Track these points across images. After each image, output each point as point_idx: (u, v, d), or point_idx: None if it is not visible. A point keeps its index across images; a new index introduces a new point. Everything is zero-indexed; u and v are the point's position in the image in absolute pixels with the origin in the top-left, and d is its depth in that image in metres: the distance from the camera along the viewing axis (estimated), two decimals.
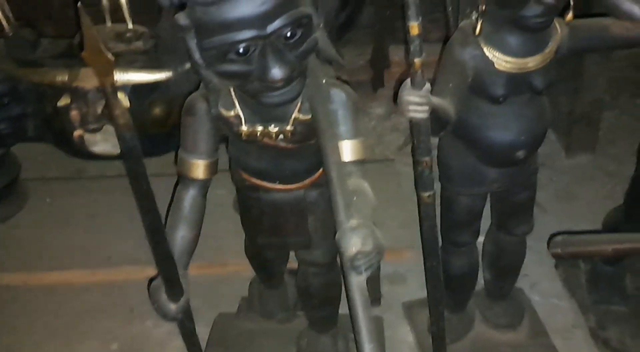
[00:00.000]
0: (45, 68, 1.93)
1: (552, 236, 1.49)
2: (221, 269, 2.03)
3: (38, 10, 2.59)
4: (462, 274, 1.77)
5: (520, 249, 1.77)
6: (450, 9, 1.51)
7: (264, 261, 1.76)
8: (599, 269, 2.03)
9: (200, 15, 1.07)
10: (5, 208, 2.33)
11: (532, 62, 1.36)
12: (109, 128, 1.95)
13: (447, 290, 1.81)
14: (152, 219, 1.13)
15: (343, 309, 1.94)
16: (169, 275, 1.25)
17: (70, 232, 2.26)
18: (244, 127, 1.28)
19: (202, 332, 1.84)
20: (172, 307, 1.30)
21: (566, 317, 2.03)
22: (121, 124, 1.01)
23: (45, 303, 2.07)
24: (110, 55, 0.94)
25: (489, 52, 1.35)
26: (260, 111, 1.26)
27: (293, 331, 1.84)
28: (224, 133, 1.34)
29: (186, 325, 1.41)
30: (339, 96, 1.27)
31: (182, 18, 1.09)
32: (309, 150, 1.34)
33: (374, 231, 1.10)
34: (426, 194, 1.22)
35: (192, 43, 1.11)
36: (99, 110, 1.79)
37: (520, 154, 1.47)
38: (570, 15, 1.34)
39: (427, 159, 1.18)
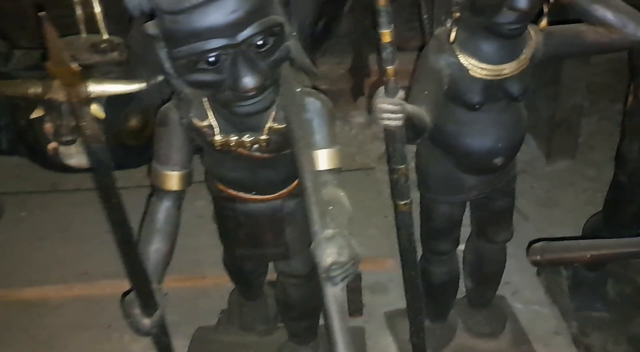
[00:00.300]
0: (18, 80, 1.90)
1: (531, 243, 1.48)
2: (200, 282, 2.00)
3: (12, 21, 2.55)
4: (443, 283, 1.75)
5: (500, 257, 1.76)
6: (425, 16, 1.50)
7: (243, 273, 1.73)
8: (581, 275, 2.02)
9: (169, 24, 1.05)
10: None
11: (507, 69, 1.35)
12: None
13: (428, 299, 1.81)
14: (123, 233, 1.11)
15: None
16: (142, 289, 1.22)
17: (46, 246, 2.22)
18: (218, 137, 1.26)
19: (181, 346, 1.82)
20: (146, 321, 1.27)
21: (548, 324, 2.03)
22: (88, 135, 0.99)
23: (21, 319, 2.03)
24: (75, 66, 0.92)
25: (465, 60, 1.35)
26: (233, 121, 1.24)
27: (273, 344, 1.81)
28: (198, 143, 1.32)
29: (161, 340, 1.38)
30: (314, 105, 1.26)
31: (151, 27, 1.07)
32: (285, 160, 1.32)
33: (349, 240, 1.08)
34: (402, 202, 1.20)
35: (162, 52, 1.10)
36: (73, 122, 1.75)
37: (498, 161, 1.47)
38: (544, 22, 1.34)
39: (402, 167, 1.17)
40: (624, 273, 2.08)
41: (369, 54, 2.78)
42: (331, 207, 1.15)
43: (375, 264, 2.07)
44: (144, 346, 1.87)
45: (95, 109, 1.69)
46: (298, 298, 1.60)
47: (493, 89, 1.38)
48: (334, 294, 1.06)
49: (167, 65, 1.11)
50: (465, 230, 1.77)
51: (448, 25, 1.36)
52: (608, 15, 1.29)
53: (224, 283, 1.86)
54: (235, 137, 1.26)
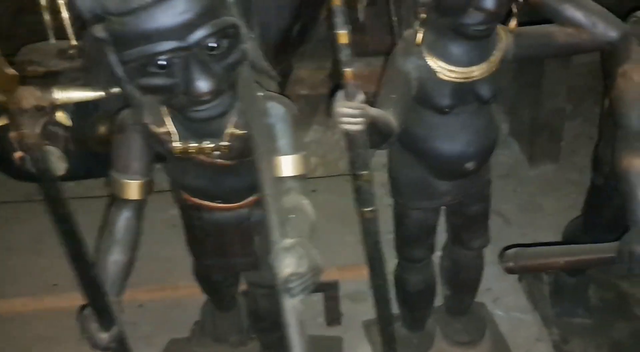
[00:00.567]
0: None
1: (505, 249, 1.45)
2: (173, 293, 1.96)
3: None
4: (419, 291, 1.72)
5: (477, 263, 1.72)
6: (395, 18, 1.47)
7: (213, 283, 1.69)
8: (562, 281, 1.99)
9: (116, 26, 1.01)
10: None
11: (477, 71, 1.32)
12: (51, 149, 1.86)
13: (405, 307, 1.77)
14: (73, 245, 1.06)
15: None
16: (98, 303, 1.17)
17: (17, 258, 2.17)
18: (177, 144, 1.22)
19: None
20: (104, 336, 1.22)
21: (530, 331, 2.00)
22: (30, 144, 0.95)
23: None
24: (13, 72, 0.88)
25: (433, 62, 1.31)
26: (193, 127, 1.20)
27: None
28: (158, 150, 1.28)
29: None
30: (276, 109, 1.22)
31: (99, 30, 1.03)
32: (249, 166, 1.27)
33: (310, 250, 1.04)
34: (367, 210, 1.16)
35: (113, 56, 1.05)
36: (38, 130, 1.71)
37: (470, 165, 1.43)
38: (513, 23, 1.31)
39: (365, 173, 1.13)
40: (606, 278, 2.05)
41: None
42: (292, 216, 1.12)
43: (354, 273, 2.03)
44: None
45: (61, 117, 1.65)
46: (269, 309, 1.56)
47: (463, 92, 1.34)
48: (293, 306, 1.02)
49: (118, 69, 1.06)
50: (444, 236, 1.75)
51: (415, 26, 1.33)
52: (577, 15, 1.26)
53: (198, 294, 1.81)
54: (195, 144, 1.22)
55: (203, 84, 1.04)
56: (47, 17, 1.93)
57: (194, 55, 1.03)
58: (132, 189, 1.28)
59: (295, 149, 1.23)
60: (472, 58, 1.31)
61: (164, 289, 1.96)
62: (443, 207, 1.62)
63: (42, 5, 1.93)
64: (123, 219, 1.29)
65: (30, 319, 2.02)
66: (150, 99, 1.13)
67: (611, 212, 1.65)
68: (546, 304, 2.03)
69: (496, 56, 1.33)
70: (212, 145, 1.22)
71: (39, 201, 2.48)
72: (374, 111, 1.13)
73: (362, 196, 1.15)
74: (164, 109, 1.20)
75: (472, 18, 1.21)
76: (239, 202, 1.38)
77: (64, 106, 1.82)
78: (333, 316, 2.04)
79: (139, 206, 1.30)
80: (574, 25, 1.27)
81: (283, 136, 1.22)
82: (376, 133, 1.18)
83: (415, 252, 1.64)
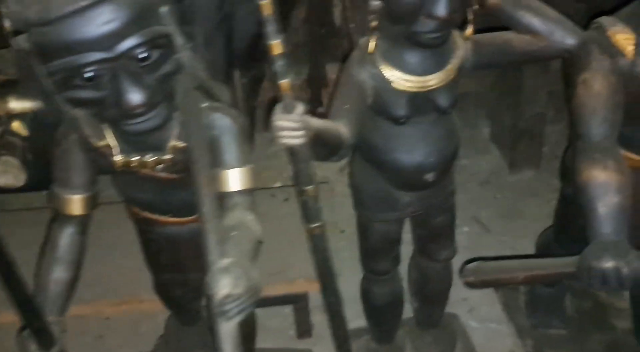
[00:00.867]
0: None
1: (465, 263, 1.40)
2: (137, 306, 1.90)
3: None
4: (386, 304, 1.68)
5: (444, 275, 1.68)
6: (352, 25, 1.43)
7: (174, 299, 1.64)
8: (538, 291, 1.95)
9: (39, 37, 0.97)
10: None
11: (433, 80, 1.28)
12: (9, 159, 1.82)
13: (372, 320, 1.73)
14: (2, 263, 1.02)
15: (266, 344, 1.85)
16: (35, 323, 1.13)
17: None
18: (118, 158, 1.18)
19: None
20: None
21: (504, 342, 1.96)
22: None
23: None
24: None
25: (387, 71, 1.27)
26: (134, 140, 1.16)
27: None
28: (100, 164, 1.23)
29: None
30: (221, 121, 1.18)
31: (22, 40, 0.99)
32: None
33: (248, 270, 1.00)
34: (313, 226, 1.12)
35: (39, 68, 1.01)
36: None
37: (430, 176, 1.39)
38: (469, 30, 1.27)
39: (310, 188, 1.09)
40: (583, 288, 2.01)
41: (326, 64, 2.70)
42: (234, 233, 1.08)
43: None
44: None
45: (18, 126, 1.61)
46: None
47: (419, 101, 1.30)
48: (228, 330, 0.97)
49: (46, 81, 1.02)
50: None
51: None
52: (535, 22, 1.22)
53: (163, 307, 1.77)
54: (137, 158, 1.17)
55: (134, 97, 1.00)
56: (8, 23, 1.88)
57: (123, 67, 0.99)
58: (75, 204, 1.24)
59: (242, 162, 1.19)
60: (427, 67, 1.26)
61: (127, 302, 1.91)
62: (408, 218, 1.58)
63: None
64: (66, 235, 1.25)
65: None
66: (83, 112, 1.08)
67: (581, 222, 1.60)
68: (521, 314, 1.99)
69: (453, 64, 1.28)
70: (154, 158, 1.18)
71: (12, 211, 2.45)
72: (316, 123, 1.08)
73: (308, 212, 1.11)
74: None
75: (424, 26, 1.17)
76: (191, 216, 1.34)
77: (21, 115, 1.78)
78: (304, 328, 2.00)
79: (82, 222, 1.26)
80: (531, 33, 1.23)
81: (229, 149, 1.18)
82: (322, 145, 1.14)
83: (379, 264, 1.60)
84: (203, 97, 1.16)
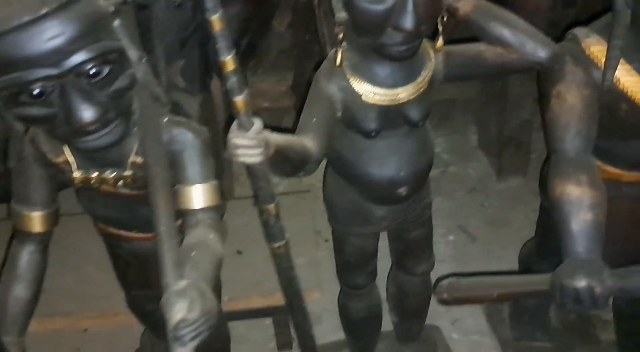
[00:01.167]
0: None
1: (439, 279, 1.37)
2: (113, 320, 1.87)
3: None
4: (363, 318, 1.64)
5: (422, 289, 1.64)
6: (324, 37, 1.39)
7: (146, 314, 1.61)
8: (523, 302, 1.91)
9: None
10: None
11: (403, 93, 1.24)
12: None
13: (350, 335, 1.70)
14: None
15: None
16: None
17: None
18: (76, 174, 1.14)
19: None
20: None
21: None
22: None
23: None
24: None
25: (356, 84, 1.23)
26: (92, 156, 1.13)
27: None
28: (60, 180, 1.20)
29: None
30: (184, 136, 1.14)
31: None
32: None
33: (205, 293, 0.97)
34: (276, 245, 1.09)
35: None
36: None
37: (403, 190, 1.36)
38: (440, 42, 1.23)
39: (270, 206, 1.05)
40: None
41: (311, 70, 2.67)
42: (194, 253, 1.04)
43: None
44: None
45: None
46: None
47: (390, 115, 1.27)
48: None
49: None
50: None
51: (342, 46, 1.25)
52: (505, 34, 1.19)
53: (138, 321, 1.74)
54: (96, 174, 1.14)
55: (85, 114, 0.97)
56: None
57: (72, 83, 0.96)
58: (34, 221, 1.20)
59: (205, 178, 1.15)
60: (397, 79, 1.23)
61: (103, 316, 1.88)
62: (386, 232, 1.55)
63: None
64: (26, 253, 1.22)
65: None
66: (35, 129, 1.05)
67: None
68: (505, 326, 1.96)
69: (424, 77, 1.25)
70: (114, 175, 1.14)
71: None
72: (277, 139, 1.05)
73: (269, 231, 1.08)
74: None
75: (391, 38, 1.14)
76: None
77: None
78: (284, 341, 1.97)
79: (42, 239, 1.23)
80: (502, 45, 1.19)
81: (191, 164, 1.15)
82: (285, 162, 1.10)
83: (356, 279, 1.57)
84: (164, 111, 1.12)
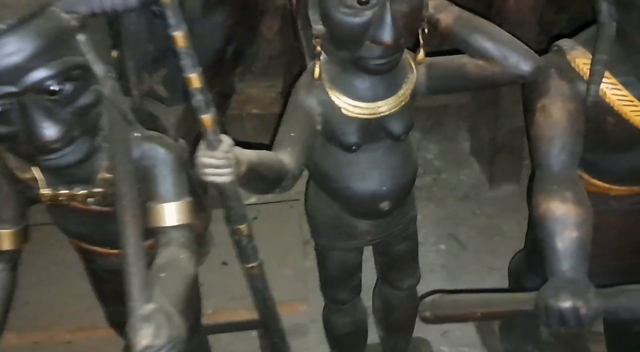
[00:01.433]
0: None
1: (424, 296, 1.34)
2: (95, 333, 1.84)
3: None
4: (347, 334, 1.61)
5: (409, 303, 1.60)
6: (305, 49, 1.36)
7: (124, 328, 1.57)
8: None
9: None
10: None
11: (384, 107, 1.21)
12: None
13: (335, 350, 1.66)
14: None
15: None
16: None
17: None
18: (44, 191, 1.11)
19: None
20: None
21: None
22: None
23: None
24: None
25: (336, 97, 1.20)
26: (61, 172, 1.09)
27: None
28: (29, 196, 1.17)
29: None
30: (155, 152, 1.11)
31: None
32: None
33: (171, 318, 0.93)
34: (249, 266, 1.05)
35: None
36: None
37: (385, 205, 1.32)
38: (421, 54, 1.20)
39: (242, 226, 1.02)
40: None
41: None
42: (163, 274, 1.01)
43: (287, 309, 1.90)
44: None
45: None
46: None
47: (371, 128, 1.23)
48: None
49: None
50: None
51: (321, 58, 1.22)
52: (488, 46, 1.15)
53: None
54: (65, 191, 1.11)
55: (47, 132, 0.93)
56: None
57: (33, 101, 0.92)
58: (3, 239, 1.17)
59: (178, 195, 1.12)
60: (378, 92, 1.20)
61: (83, 329, 1.85)
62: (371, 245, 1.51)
63: None
64: None
65: None
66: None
67: None
68: (495, 338, 1.93)
69: (405, 90, 1.22)
70: (84, 192, 1.11)
71: None
72: (250, 156, 1.01)
73: (242, 252, 1.04)
74: None
75: (370, 51, 1.10)
76: None
77: None
78: None
79: (11, 257, 1.20)
80: (484, 58, 1.16)
81: (163, 181, 1.11)
82: (259, 179, 1.07)
83: (339, 293, 1.53)
84: (136, 126, 1.09)
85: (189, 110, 1.82)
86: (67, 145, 0.98)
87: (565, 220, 1.13)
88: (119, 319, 1.50)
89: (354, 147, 1.24)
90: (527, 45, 1.17)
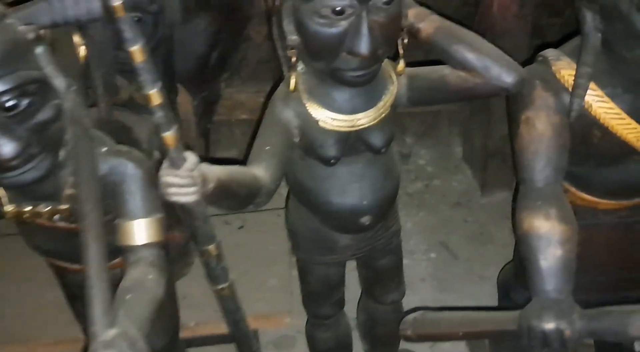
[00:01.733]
0: None
1: (406, 313, 1.30)
2: (73, 346, 1.80)
3: None
4: (331, 348, 1.58)
5: (393, 317, 1.56)
6: (281, 59, 1.31)
7: None
8: None
9: None
10: None
11: (364, 119, 1.17)
12: None
13: None
14: None
15: None
16: None
17: None
18: (8, 208, 1.07)
19: None
20: None
21: None
22: None
23: None
24: None
25: (314, 110, 1.16)
26: (24, 189, 1.05)
27: None
28: None
29: None
30: (123, 167, 1.07)
31: None
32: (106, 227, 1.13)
33: (135, 343, 0.90)
34: (219, 287, 1.01)
35: None
36: None
37: (366, 220, 1.28)
38: (401, 65, 1.16)
39: (211, 247, 0.97)
40: None
41: None
42: (129, 296, 0.97)
43: (271, 322, 1.87)
44: None
45: None
46: None
47: (350, 141, 1.19)
48: None
49: None
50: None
51: (299, 69, 1.18)
52: (469, 57, 1.10)
53: None
54: (30, 208, 1.07)
55: (3, 149, 0.89)
56: None
57: None
58: None
59: (148, 212, 1.08)
60: (356, 104, 1.16)
61: (64, 342, 1.81)
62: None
63: None
64: None
65: None
66: None
67: None
68: (485, 351, 1.88)
69: (385, 101, 1.18)
70: (49, 209, 1.07)
71: None
72: (218, 173, 0.96)
73: (212, 273, 1.00)
74: None
75: (346, 63, 1.06)
76: None
77: None
78: None
79: None
80: (466, 69, 1.11)
81: (132, 197, 1.07)
82: (230, 197, 1.02)
83: (322, 309, 1.50)
84: (102, 141, 1.05)
85: (174, 116, 1.78)
86: (27, 162, 0.94)
87: (549, 238, 1.10)
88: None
89: (332, 161, 1.20)
90: (511, 55, 1.13)
